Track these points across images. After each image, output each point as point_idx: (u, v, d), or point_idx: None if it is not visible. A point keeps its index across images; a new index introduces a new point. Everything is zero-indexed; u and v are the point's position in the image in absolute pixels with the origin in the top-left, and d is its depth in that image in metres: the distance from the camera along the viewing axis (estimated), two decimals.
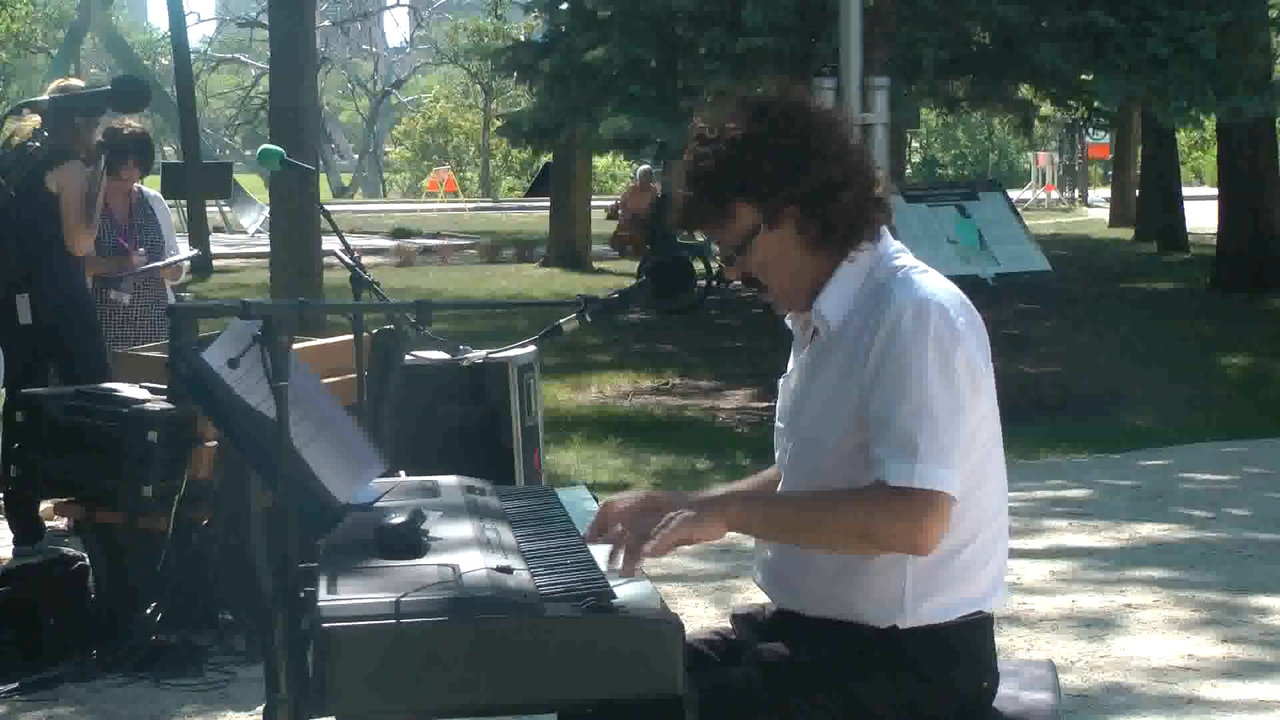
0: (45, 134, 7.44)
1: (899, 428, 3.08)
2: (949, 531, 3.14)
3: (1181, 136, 34.51)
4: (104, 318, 8.53)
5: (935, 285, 3.22)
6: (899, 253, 3.31)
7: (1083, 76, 18.18)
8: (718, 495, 3.38)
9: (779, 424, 3.44)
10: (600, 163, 34.46)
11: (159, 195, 8.96)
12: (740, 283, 3.39)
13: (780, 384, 3.47)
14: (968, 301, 3.26)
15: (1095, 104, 20.22)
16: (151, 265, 8.61)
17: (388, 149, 69.84)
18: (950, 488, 3.07)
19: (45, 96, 7.53)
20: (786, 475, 3.37)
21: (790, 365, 3.45)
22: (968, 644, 3.26)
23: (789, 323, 3.45)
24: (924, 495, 3.05)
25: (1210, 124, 23.72)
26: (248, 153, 56.37)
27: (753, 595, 6.96)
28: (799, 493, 3.32)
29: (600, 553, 3.19)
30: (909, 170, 44.31)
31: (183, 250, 9.25)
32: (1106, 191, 42.29)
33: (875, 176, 3.30)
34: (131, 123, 8.69)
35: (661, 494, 3.44)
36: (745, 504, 3.28)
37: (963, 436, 3.12)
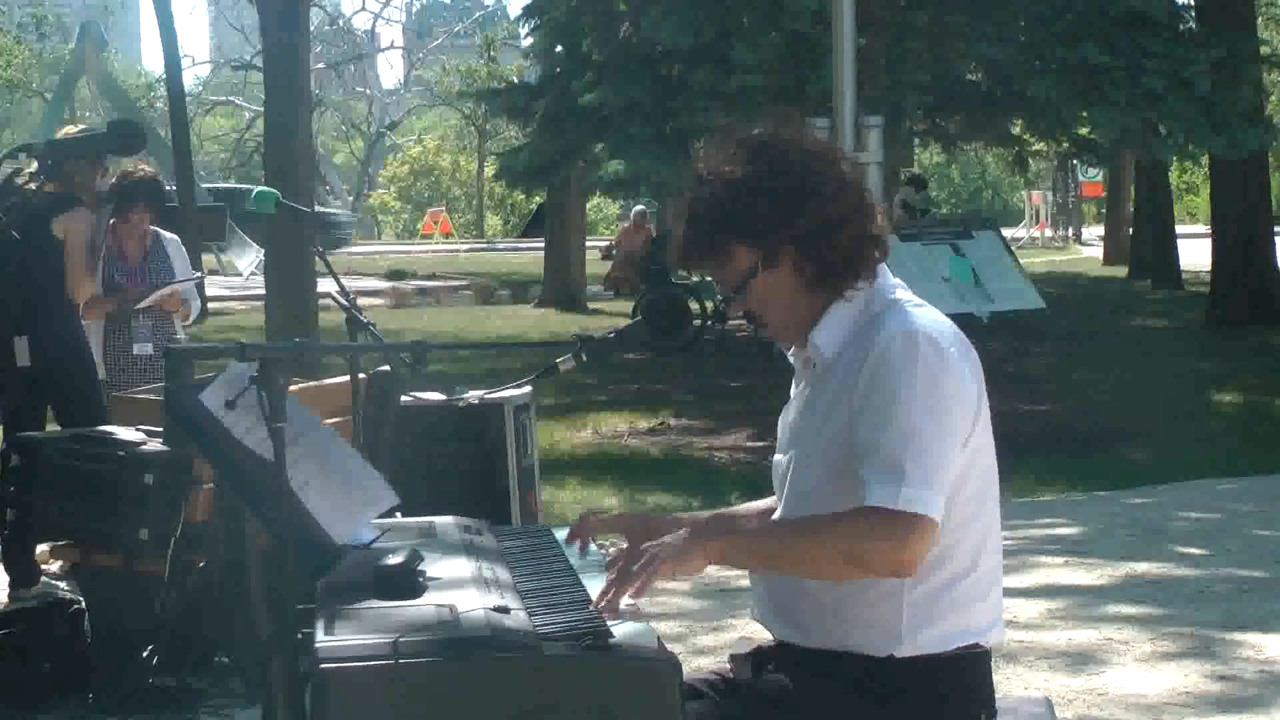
0: (41, 178, 7.46)
1: (885, 451, 3.09)
2: (949, 559, 3.17)
3: (1174, 178, 34.62)
4: (123, 367, 8.55)
5: (928, 317, 3.24)
6: (896, 287, 3.33)
7: (1078, 113, 18.24)
8: (699, 526, 3.39)
9: (776, 455, 3.46)
10: (589, 203, 34.50)
11: (175, 238, 8.94)
12: (742, 317, 3.42)
13: (780, 417, 3.49)
14: (962, 335, 3.28)
15: (1086, 134, 20.24)
16: (150, 297, 8.57)
17: (369, 193, 69.85)
18: (934, 511, 3.08)
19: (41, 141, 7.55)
20: (783, 506, 3.38)
21: (790, 398, 3.47)
22: (966, 677, 3.26)
23: (790, 357, 3.47)
24: (907, 517, 3.06)
25: (1203, 164, 23.78)
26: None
27: (750, 633, 6.95)
28: (781, 521, 3.34)
29: (592, 585, 3.21)
30: (888, 205, 44.32)
31: (194, 290, 9.15)
32: (1100, 229, 42.35)
33: (873, 213, 3.32)
34: (145, 166, 8.72)
35: (639, 519, 3.45)
36: (726, 536, 3.29)
37: (950, 463, 3.13)
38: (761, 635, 3.51)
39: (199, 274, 9.70)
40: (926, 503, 3.07)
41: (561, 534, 3.75)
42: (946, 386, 3.15)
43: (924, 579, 3.19)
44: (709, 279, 16.77)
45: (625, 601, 3.11)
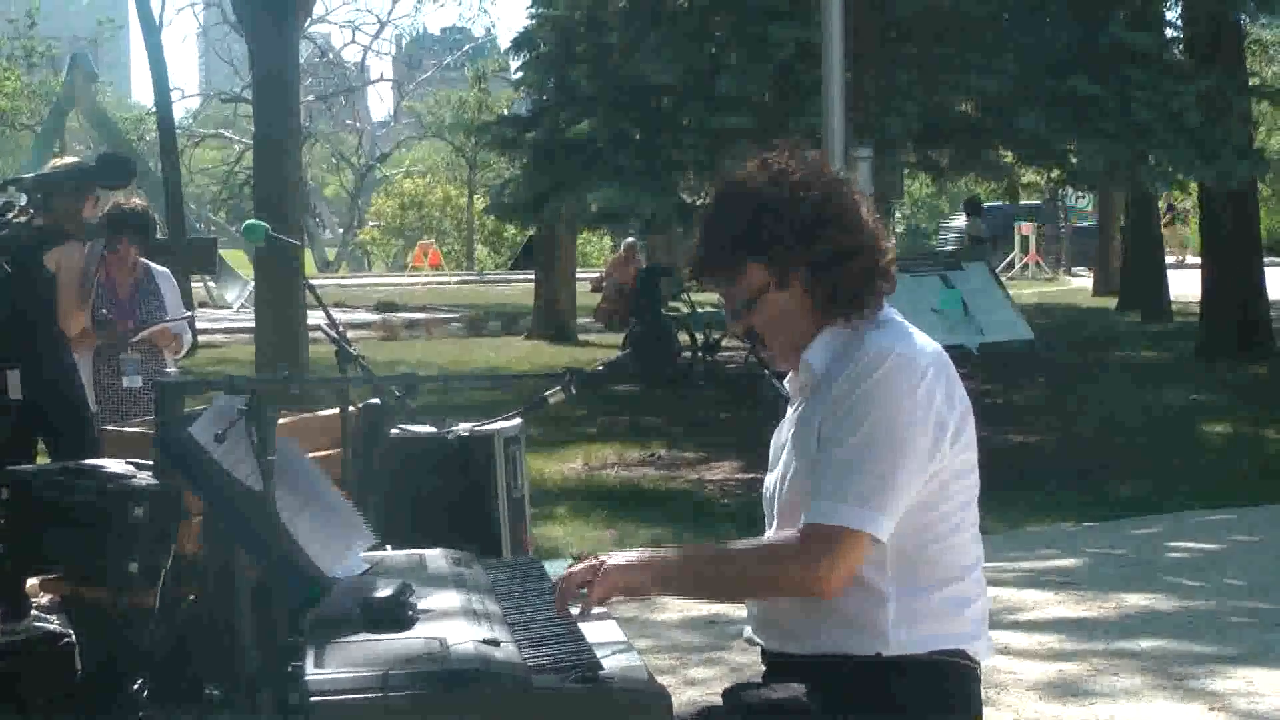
0: (31, 211, 7.46)
1: (832, 470, 3.17)
2: (932, 566, 3.24)
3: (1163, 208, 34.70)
4: (113, 400, 8.54)
5: (909, 337, 3.29)
6: (887, 309, 3.38)
7: (1066, 145, 18.28)
8: (656, 548, 3.43)
9: (767, 479, 3.48)
10: (580, 235, 34.56)
11: (167, 271, 8.95)
12: (742, 336, 3.46)
13: (773, 439, 3.52)
14: (945, 359, 3.31)
15: (1075, 163, 20.35)
16: (140, 334, 8.59)
17: (357, 230, 69.91)
18: (870, 527, 3.13)
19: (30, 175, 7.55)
20: (771, 526, 3.41)
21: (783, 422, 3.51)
22: (952, 685, 3.30)
23: (787, 384, 3.51)
24: (830, 533, 3.13)
25: (1193, 192, 23.82)
26: (232, 228, 56.51)
27: (742, 666, 6.94)
28: (722, 545, 3.41)
29: (587, 627, 3.22)
30: (893, 240, 44.35)
31: (186, 325, 9.15)
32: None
33: (886, 247, 3.40)
34: (136, 200, 8.73)
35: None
36: (668, 555, 3.34)
37: (901, 482, 3.17)
38: (753, 667, 3.51)
39: (190, 313, 9.69)
40: (861, 519, 3.13)
41: (551, 567, 3.75)
42: (909, 406, 3.18)
43: (909, 582, 3.24)
44: (700, 312, 16.68)
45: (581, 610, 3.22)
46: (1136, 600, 8.53)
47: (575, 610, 3.26)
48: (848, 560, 3.14)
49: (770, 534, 3.32)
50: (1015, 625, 7.92)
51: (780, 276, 3.32)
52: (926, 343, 3.32)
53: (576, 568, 3.32)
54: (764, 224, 3.30)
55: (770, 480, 3.46)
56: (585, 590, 3.26)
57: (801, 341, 3.37)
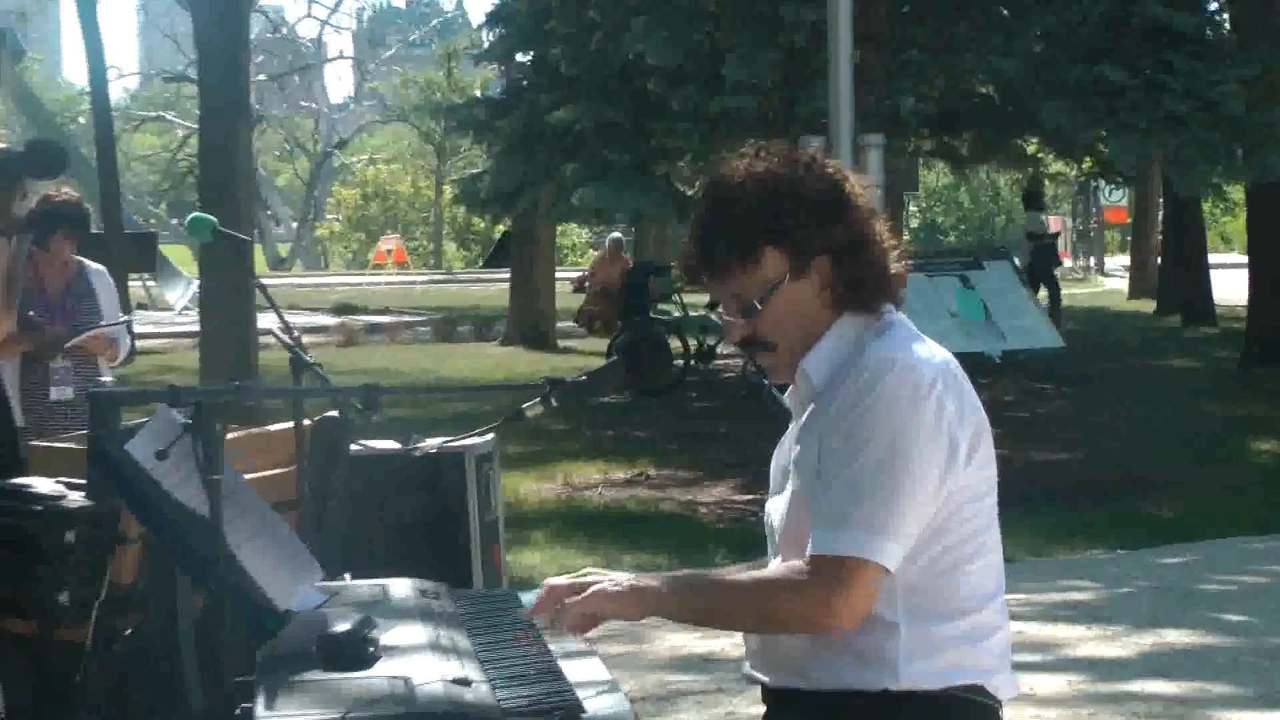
0: None
1: (834, 495, 3.17)
2: (947, 595, 3.23)
3: (1206, 202, 34.71)
4: (41, 412, 8.53)
5: (916, 347, 3.29)
6: (894, 315, 3.37)
7: (1096, 134, 18.30)
8: (650, 575, 3.43)
9: (768, 503, 3.49)
10: (559, 230, 34.52)
11: (102, 269, 8.93)
12: (741, 344, 3.43)
13: (772, 459, 3.52)
14: (956, 368, 3.31)
15: (1104, 153, 20.36)
16: (72, 340, 8.57)
17: (315, 220, 69.87)
18: (879, 556, 3.13)
19: None
20: (772, 558, 3.42)
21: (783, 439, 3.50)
22: None
23: (787, 400, 3.50)
24: (837, 565, 3.13)
25: (1238, 190, 23.84)
26: (175, 221, 56.53)
27: (737, 710, 6.96)
28: (720, 575, 3.40)
29: (568, 665, 3.22)
30: (907, 236, 44.59)
31: (124, 329, 9.12)
32: (1125, 259, 42.54)
33: (896, 246, 3.40)
34: (67, 190, 8.72)
35: (601, 572, 3.49)
36: (664, 585, 3.33)
37: (910, 506, 3.17)
38: (751, 710, 3.53)
39: (128, 317, 9.67)
40: (869, 548, 3.13)
41: (527, 597, 3.76)
42: (916, 421, 3.19)
43: (922, 612, 3.24)
44: (693, 315, 16.66)
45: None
46: (1174, 637, 8.55)
47: (546, 625, 3.27)
48: (859, 593, 3.14)
49: (773, 565, 3.32)
50: (1038, 665, 7.93)
51: (798, 264, 3.30)
52: (934, 351, 3.32)
53: (563, 580, 3.33)
54: (783, 205, 3.28)
55: (772, 506, 3.46)
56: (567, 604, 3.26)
57: (812, 343, 3.36)
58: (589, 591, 3.24)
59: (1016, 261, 20.54)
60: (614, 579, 3.29)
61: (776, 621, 3.22)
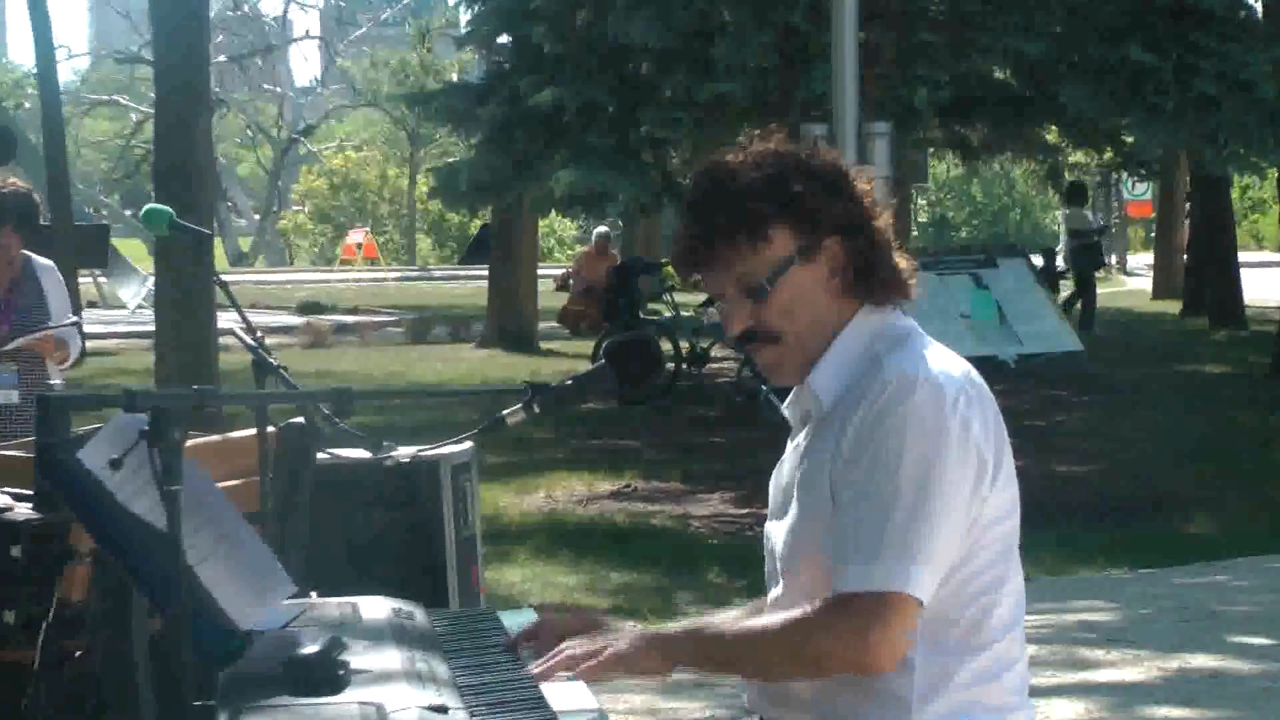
0: None
1: (862, 527, 3.15)
2: (966, 628, 3.22)
3: (1236, 195, 34.74)
4: None
5: (935, 360, 3.27)
6: (906, 322, 3.37)
7: (1118, 122, 18.31)
8: (661, 628, 3.43)
9: (767, 523, 3.48)
10: (540, 224, 34.46)
11: (51, 265, 8.91)
12: (740, 338, 3.41)
13: (772, 478, 3.51)
14: (978, 379, 3.31)
15: (1132, 143, 20.34)
16: (16, 342, 8.55)
17: (283, 216, 69.78)
18: (914, 589, 3.12)
19: None
20: (773, 587, 3.41)
21: (784, 455, 3.49)
22: None
23: (786, 411, 3.49)
24: (874, 601, 3.12)
25: (1270, 177, 23.85)
26: (129, 213, 56.49)
27: None
28: (742, 622, 3.38)
29: (551, 691, 3.23)
30: (915, 232, 44.58)
31: (74, 330, 9.08)
32: (1149, 257, 42.55)
33: (901, 243, 3.42)
34: (15, 180, 8.70)
35: (602, 620, 3.48)
36: (680, 635, 3.34)
37: (943, 533, 3.17)
38: None
39: (78, 317, 9.64)
40: (905, 579, 3.12)
41: (508, 618, 3.76)
42: (944, 442, 3.18)
43: (939, 644, 3.24)
44: (685, 316, 16.68)
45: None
46: (1200, 662, 8.56)
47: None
48: (898, 630, 3.12)
49: (799, 609, 3.25)
50: (1055, 689, 7.95)
51: (807, 244, 3.30)
52: (954, 362, 3.31)
53: (577, 649, 3.28)
54: (792, 177, 3.29)
55: (773, 529, 3.45)
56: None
57: (816, 340, 3.34)
58: (605, 656, 3.22)
59: (1033, 260, 20.57)
60: (623, 633, 3.28)
61: (812, 665, 3.20)
